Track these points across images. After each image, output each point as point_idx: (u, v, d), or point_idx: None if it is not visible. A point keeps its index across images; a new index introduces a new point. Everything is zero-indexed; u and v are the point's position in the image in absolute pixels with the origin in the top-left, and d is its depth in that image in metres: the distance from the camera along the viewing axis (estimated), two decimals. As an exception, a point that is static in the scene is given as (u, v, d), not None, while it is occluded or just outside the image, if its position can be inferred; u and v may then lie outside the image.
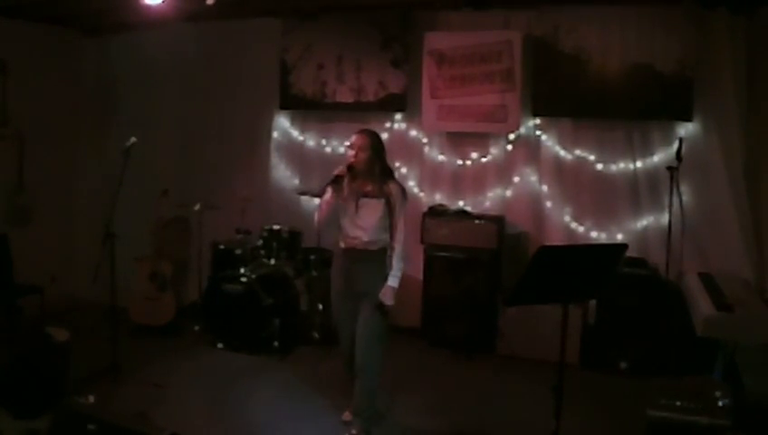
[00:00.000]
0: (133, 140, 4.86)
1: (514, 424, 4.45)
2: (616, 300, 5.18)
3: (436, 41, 5.84)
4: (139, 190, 6.14)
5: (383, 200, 4.05)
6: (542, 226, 5.81)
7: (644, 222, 5.50)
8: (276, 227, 5.86)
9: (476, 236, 5.62)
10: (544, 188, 5.77)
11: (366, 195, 4.06)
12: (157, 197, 6.07)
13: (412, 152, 6.17)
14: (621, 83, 5.33)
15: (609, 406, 4.68)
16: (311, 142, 6.48)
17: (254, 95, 6.54)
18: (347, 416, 4.37)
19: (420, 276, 5.87)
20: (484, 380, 5.23)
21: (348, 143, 4.17)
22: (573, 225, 5.71)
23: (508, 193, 5.92)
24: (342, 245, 4.18)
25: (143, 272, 6.03)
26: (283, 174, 6.57)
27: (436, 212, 5.87)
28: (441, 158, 6.09)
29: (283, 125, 6.57)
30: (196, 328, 5.90)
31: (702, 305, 4.12)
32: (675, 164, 4.92)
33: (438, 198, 6.10)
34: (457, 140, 6.03)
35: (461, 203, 6.02)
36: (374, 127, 6.12)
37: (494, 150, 5.94)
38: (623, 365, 5.22)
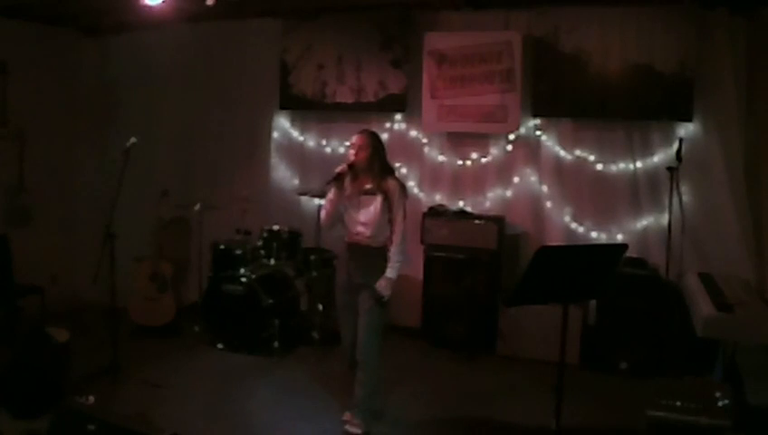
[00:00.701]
0: (133, 140, 4.86)
1: (514, 424, 4.44)
2: (616, 300, 5.18)
3: (436, 41, 5.84)
4: (139, 191, 6.15)
5: (381, 197, 4.15)
6: (542, 226, 5.81)
7: (644, 222, 5.50)
8: (276, 227, 5.86)
9: (476, 236, 5.62)
10: (544, 188, 5.77)
11: (366, 192, 4.17)
12: (157, 197, 6.07)
13: (412, 152, 6.17)
14: (621, 84, 5.33)
15: (608, 406, 4.67)
16: (311, 142, 6.48)
17: (254, 95, 6.55)
18: (347, 416, 4.38)
19: (420, 277, 5.87)
20: (485, 380, 5.23)
21: (348, 143, 4.26)
22: (573, 225, 5.71)
23: (508, 193, 5.92)
24: (347, 240, 4.30)
25: (143, 272, 6.03)
26: (284, 174, 6.57)
27: (436, 212, 5.87)
28: (441, 158, 6.09)
29: (283, 125, 6.57)
30: (197, 328, 5.90)
31: (702, 306, 4.12)
32: (675, 164, 4.92)
33: (438, 198, 6.10)
34: (457, 141, 6.03)
35: (461, 203, 6.03)
36: (374, 127, 6.14)
37: (494, 151, 5.94)
38: (623, 365, 5.22)
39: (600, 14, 5.37)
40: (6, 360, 4.30)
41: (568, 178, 5.70)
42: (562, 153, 5.70)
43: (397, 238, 4.16)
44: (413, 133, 6.16)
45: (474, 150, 5.99)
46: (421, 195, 6.15)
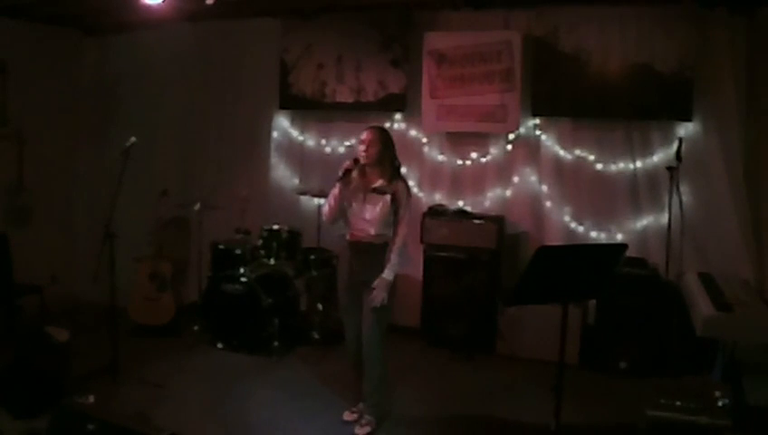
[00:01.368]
0: (133, 139, 4.86)
1: (514, 424, 4.45)
2: (616, 300, 5.18)
3: (435, 41, 5.84)
4: (139, 190, 6.15)
5: (389, 197, 4.12)
6: (541, 226, 5.81)
7: (644, 222, 5.50)
8: (276, 226, 5.86)
9: (476, 236, 5.62)
10: (544, 187, 5.77)
11: (374, 190, 4.14)
12: (156, 197, 6.07)
13: (412, 152, 6.16)
14: (621, 83, 5.33)
15: (608, 406, 4.67)
16: (310, 142, 6.48)
17: (253, 95, 6.54)
18: (348, 416, 4.38)
19: (420, 276, 5.87)
20: (484, 380, 5.23)
21: (360, 139, 4.21)
22: (573, 225, 5.71)
23: (508, 193, 5.92)
24: (349, 237, 4.27)
25: (143, 272, 6.03)
26: (283, 174, 6.57)
27: (435, 212, 5.87)
28: (441, 158, 6.09)
29: (283, 125, 6.57)
30: (196, 328, 5.90)
31: (702, 305, 4.11)
32: (674, 164, 4.91)
33: (438, 197, 6.10)
34: (457, 140, 6.03)
35: (461, 203, 6.02)
36: (374, 127, 6.18)
37: (493, 150, 5.94)
38: (623, 365, 5.22)
39: (599, 13, 5.36)
40: (6, 359, 4.30)
41: (568, 178, 5.70)
42: (562, 153, 5.70)
43: (399, 241, 4.14)
44: (413, 133, 6.16)
45: (473, 150, 5.99)
46: (421, 194, 6.14)
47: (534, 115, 5.71)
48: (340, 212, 4.26)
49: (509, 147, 5.88)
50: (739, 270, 5.00)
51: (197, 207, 5.93)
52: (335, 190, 4.20)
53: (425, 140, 6.13)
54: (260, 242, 5.87)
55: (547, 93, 5.58)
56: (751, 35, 5.05)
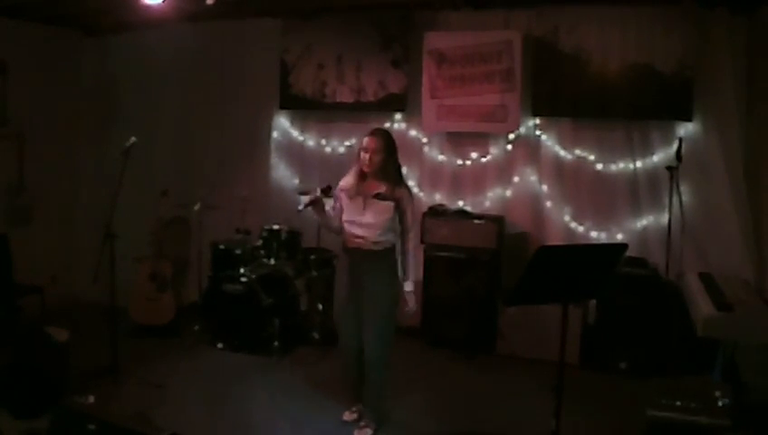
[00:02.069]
0: (133, 139, 4.86)
1: (514, 424, 4.45)
2: (616, 300, 5.18)
3: (435, 41, 5.84)
4: (139, 190, 6.15)
5: (393, 204, 4.04)
6: (541, 226, 5.81)
7: (644, 222, 5.50)
8: (276, 226, 5.86)
9: (476, 236, 5.62)
10: (544, 187, 5.77)
11: (376, 196, 4.04)
12: (157, 197, 6.07)
13: (412, 152, 6.16)
14: (621, 83, 5.33)
15: (608, 406, 4.67)
16: (310, 142, 6.48)
17: (254, 95, 6.55)
18: (347, 416, 4.38)
19: (420, 276, 5.86)
20: (484, 380, 5.23)
21: (362, 145, 4.10)
22: (573, 225, 5.71)
23: (508, 193, 5.92)
24: (347, 244, 4.18)
25: (143, 272, 6.03)
26: (283, 174, 6.57)
27: (435, 212, 5.87)
28: (441, 158, 6.09)
29: (283, 125, 6.57)
30: (196, 328, 5.90)
31: (702, 305, 4.12)
32: (674, 164, 4.92)
33: (438, 197, 6.10)
34: (457, 140, 6.03)
35: (461, 203, 6.03)
36: (374, 127, 6.17)
37: (493, 150, 5.94)
38: (623, 365, 5.22)
39: (599, 13, 5.37)
40: (6, 359, 4.30)
41: (568, 178, 5.71)
42: (562, 153, 5.70)
43: (410, 249, 4.13)
44: (413, 133, 6.16)
45: (473, 150, 5.99)
46: (421, 195, 6.14)
47: (534, 115, 5.71)
48: (334, 223, 4.19)
49: (509, 147, 5.88)
50: (739, 270, 5.00)
51: (198, 207, 5.93)
52: (315, 216, 4.14)
53: (425, 140, 6.13)
54: (260, 242, 5.87)
55: (547, 93, 5.58)
56: (751, 35, 5.05)
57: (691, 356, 4.81)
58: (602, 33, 5.36)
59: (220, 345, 5.67)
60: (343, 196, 4.14)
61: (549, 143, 5.73)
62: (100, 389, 4.57)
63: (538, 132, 5.76)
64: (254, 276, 5.59)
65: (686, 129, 5.25)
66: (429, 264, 5.81)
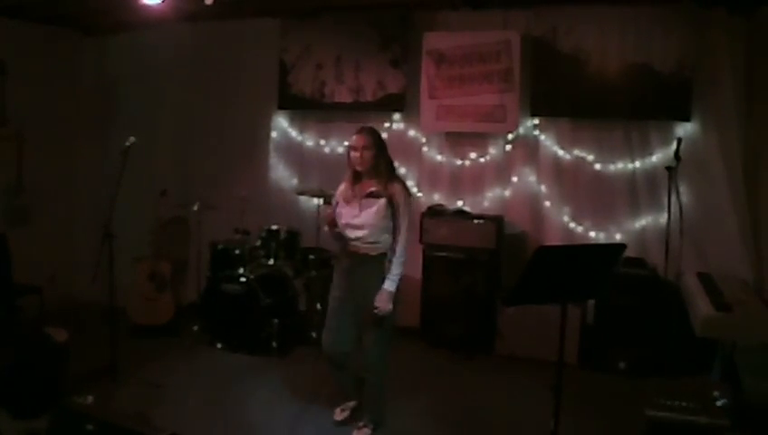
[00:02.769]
0: (132, 139, 4.86)
1: (513, 424, 4.45)
2: (614, 300, 5.18)
3: (434, 41, 5.84)
4: (138, 190, 6.15)
5: (384, 201, 3.94)
6: (540, 226, 5.82)
7: (642, 222, 5.51)
8: (275, 227, 5.86)
9: (475, 236, 5.63)
10: (543, 188, 5.78)
11: (369, 195, 3.97)
12: (156, 197, 6.07)
13: (411, 152, 6.17)
14: (620, 83, 5.33)
15: (607, 406, 4.68)
16: (309, 142, 6.48)
17: (252, 95, 6.55)
18: (338, 414, 4.38)
19: (419, 276, 5.87)
20: (483, 380, 5.23)
21: (348, 144, 4.07)
22: (572, 225, 5.71)
23: (507, 193, 5.92)
24: (344, 248, 4.13)
25: (142, 272, 6.03)
26: (282, 174, 6.57)
27: (434, 212, 5.87)
28: (440, 158, 6.10)
29: (282, 125, 6.57)
30: (195, 328, 5.90)
31: (701, 305, 4.12)
32: (673, 164, 4.92)
33: (437, 197, 6.10)
34: (456, 140, 6.04)
35: (460, 203, 6.03)
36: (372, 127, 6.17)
37: (492, 150, 5.94)
38: (622, 365, 5.23)
39: (598, 13, 5.37)
40: (5, 360, 4.29)
41: (566, 178, 5.71)
42: (561, 153, 5.71)
43: (399, 249, 3.96)
44: (411, 133, 6.17)
45: (472, 150, 6.00)
46: (420, 195, 6.15)
47: (533, 115, 5.72)
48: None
49: (508, 147, 5.88)
50: (738, 270, 5.01)
51: (197, 207, 5.93)
52: (326, 229, 4.23)
53: (424, 140, 6.13)
54: (259, 242, 5.88)
55: (546, 93, 5.58)
56: (750, 35, 5.06)
57: (690, 356, 4.81)
58: (601, 33, 5.37)
59: (219, 345, 5.67)
60: (340, 202, 4.09)
61: (548, 143, 5.73)
62: (100, 389, 4.57)
63: (537, 132, 5.77)
64: (252, 276, 5.59)
65: (684, 129, 5.26)
66: (428, 264, 5.81)
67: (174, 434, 2.89)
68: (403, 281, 5.99)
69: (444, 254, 5.74)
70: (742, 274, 4.98)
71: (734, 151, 5.11)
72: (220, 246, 6.01)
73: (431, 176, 6.14)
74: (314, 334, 5.78)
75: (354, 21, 6.06)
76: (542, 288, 3.22)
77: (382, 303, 3.93)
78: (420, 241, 5.80)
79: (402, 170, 6.17)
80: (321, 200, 4.08)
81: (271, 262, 5.83)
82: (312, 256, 5.87)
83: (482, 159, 5.98)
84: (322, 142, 6.44)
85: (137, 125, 6.12)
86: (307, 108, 6.37)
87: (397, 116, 6.16)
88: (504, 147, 5.90)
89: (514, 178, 5.88)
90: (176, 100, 6.75)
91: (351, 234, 4.03)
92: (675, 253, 5.02)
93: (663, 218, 5.13)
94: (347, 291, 4.12)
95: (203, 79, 6.68)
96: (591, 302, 5.39)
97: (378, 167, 3.98)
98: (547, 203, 5.77)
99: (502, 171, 5.93)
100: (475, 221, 5.68)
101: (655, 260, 5.29)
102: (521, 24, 5.67)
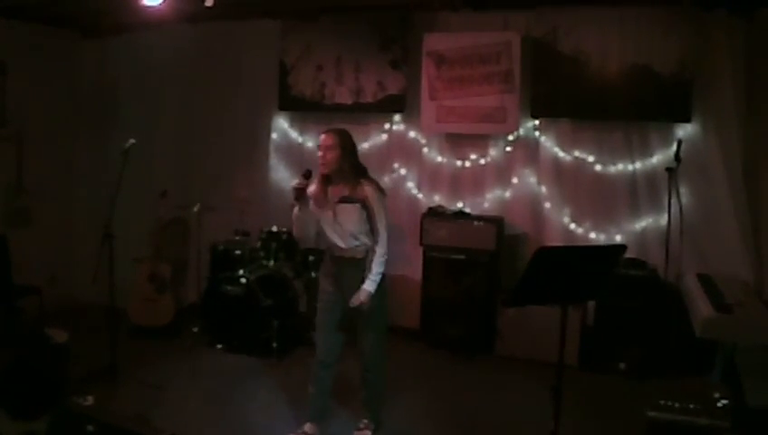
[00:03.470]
0: (132, 141, 4.86)
1: (513, 425, 4.45)
2: (615, 301, 5.18)
3: (435, 42, 5.84)
4: (138, 191, 6.15)
5: (358, 205, 3.86)
6: (540, 227, 5.82)
7: (643, 223, 5.50)
8: (275, 228, 5.86)
9: (475, 237, 5.62)
10: (543, 189, 5.78)
11: (342, 200, 3.87)
12: (156, 198, 6.06)
13: (411, 153, 6.17)
14: (620, 85, 5.33)
15: (607, 407, 4.68)
16: (309, 143, 6.47)
17: (253, 96, 6.54)
18: (309, 428, 4.17)
19: (419, 277, 5.87)
20: (483, 381, 5.23)
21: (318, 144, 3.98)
22: (572, 226, 5.71)
23: (507, 194, 5.92)
24: (329, 253, 4.07)
25: (142, 273, 6.03)
26: (283, 175, 6.57)
27: (434, 213, 5.87)
28: (440, 159, 6.09)
29: (282, 126, 6.57)
30: (195, 329, 5.89)
31: (701, 307, 4.12)
32: (674, 165, 4.91)
33: (437, 199, 6.10)
34: (456, 142, 6.03)
35: (460, 204, 6.03)
36: (373, 128, 6.19)
37: (492, 152, 5.94)
38: (622, 366, 5.22)
39: (598, 15, 5.37)
40: (5, 361, 4.29)
41: (567, 179, 5.71)
42: (561, 154, 5.70)
43: (380, 249, 3.88)
44: (412, 134, 6.17)
45: (473, 151, 6.00)
46: (420, 196, 6.15)
47: (533, 116, 5.71)
48: (310, 231, 4.01)
49: (508, 148, 5.88)
50: (738, 271, 5.00)
51: (197, 208, 5.92)
52: (295, 210, 3.91)
53: (424, 141, 6.13)
54: (259, 243, 5.88)
55: (546, 95, 5.58)
56: (750, 37, 5.06)
57: (690, 357, 4.81)
58: (601, 34, 5.37)
59: (219, 346, 5.67)
60: (312, 204, 3.96)
61: (548, 144, 5.73)
62: (99, 390, 4.57)
63: (537, 133, 5.77)
64: (253, 278, 5.59)
65: (685, 130, 5.26)
66: (429, 265, 5.81)
67: (174, 435, 2.89)
68: (403, 282, 6.08)
69: (444, 255, 5.74)
70: (742, 275, 4.98)
71: (734, 153, 5.10)
72: (220, 248, 6.02)
73: (431, 177, 6.14)
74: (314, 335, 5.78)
75: (354, 22, 6.06)
76: (542, 289, 3.22)
77: (357, 300, 3.84)
78: (420, 242, 5.80)
79: (402, 171, 6.18)
80: (301, 178, 3.91)
81: (271, 263, 5.83)
82: (312, 258, 5.87)
83: (482, 161, 5.98)
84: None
85: (137, 126, 6.14)
86: (307, 109, 6.36)
87: (397, 117, 6.16)
88: (505, 148, 5.89)
89: (515, 180, 5.88)
90: (176, 101, 6.75)
91: (334, 240, 3.96)
92: (675, 254, 5.01)
93: (663, 220, 5.13)
94: (336, 294, 4.03)
95: (203, 80, 6.68)
96: (592, 303, 5.39)
97: (342, 169, 3.87)
98: (547, 204, 5.77)
99: (502, 172, 5.93)
100: (476, 222, 5.68)
101: (655, 261, 5.28)
102: (521, 26, 5.66)
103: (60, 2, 5.78)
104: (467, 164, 6.02)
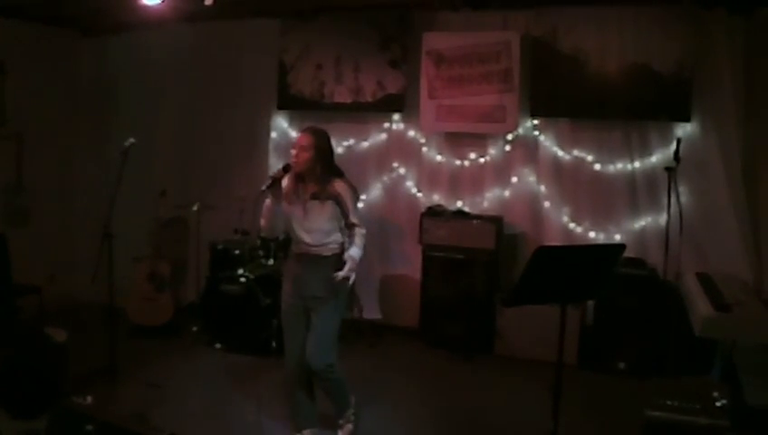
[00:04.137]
0: (131, 140, 4.86)
1: (512, 424, 4.45)
2: (614, 300, 5.18)
3: (434, 41, 5.84)
4: (138, 191, 6.15)
5: (331, 202, 3.84)
6: (540, 226, 5.82)
7: (642, 222, 5.51)
8: (275, 227, 5.85)
9: (475, 236, 5.63)
10: (542, 188, 5.78)
11: (312, 197, 3.85)
12: (155, 197, 6.07)
13: (410, 153, 6.17)
14: (619, 84, 5.33)
15: (607, 406, 4.68)
16: (309, 143, 6.46)
17: (252, 95, 6.54)
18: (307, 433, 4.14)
19: (418, 277, 5.88)
20: (482, 380, 5.24)
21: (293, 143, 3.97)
22: (571, 225, 5.71)
23: (506, 193, 5.92)
24: (295, 250, 4.00)
25: (141, 272, 6.03)
26: (282, 174, 6.56)
27: (434, 212, 5.87)
28: (439, 158, 6.09)
29: (282, 125, 6.57)
30: (195, 328, 5.90)
31: (700, 306, 4.12)
32: (673, 164, 4.91)
33: (437, 198, 6.10)
34: (456, 141, 6.03)
35: (459, 203, 6.03)
36: (372, 127, 6.19)
37: (492, 151, 5.94)
38: (621, 365, 5.23)
39: (598, 14, 5.37)
40: (4, 360, 4.29)
41: (566, 179, 5.71)
42: (560, 153, 5.71)
43: (360, 230, 3.88)
44: (411, 133, 6.17)
45: (472, 151, 6.00)
46: (419, 195, 6.15)
47: (533, 116, 5.71)
48: (279, 224, 3.97)
49: (507, 147, 5.88)
50: (737, 270, 5.00)
51: (196, 207, 5.93)
52: (267, 202, 3.86)
53: (423, 140, 6.13)
54: (258, 242, 5.87)
55: (546, 94, 5.58)
56: (749, 36, 5.06)
57: (689, 357, 4.82)
58: (601, 33, 5.37)
59: (218, 345, 5.67)
60: (284, 199, 3.92)
61: (547, 144, 5.73)
62: (99, 389, 4.56)
63: (536, 133, 5.77)
64: (252, 277, 5.59)
65: (684, 129, 5.26)
66: (428, 264, 5.81)
67: (173, 434, 2.89)
68: (402, 281, 6.08)
69: (443, 254, 5.74)
70: (741, 274, 4.98)
71: (733, 152, 5.11)
72: (219, 247, 6.01)
73: (431, 176, 6.14)
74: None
75: (353, 21, 6.05)
76: (541, 289, 3.22)
77: (348, 268, 3.77)
78: (420, 241, 5.80)
79: (402, 171, 6.18)
80: (280, 168, 3.90)
81: (270, 262, 5.83)
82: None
83: (481, 160, 5.98)
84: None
85: (136, 125, 6.13)
86: (306, 108, 6.36)
87: (396, 116, 6.16)
88: (504, 147, 5.89)
89: (514, 179, 5.88)
90: (175, 100, 6.75)
91: (301, 236, 3.91)
92: (674, 253, 5.02)
93: (662, 219, 5.13)
94: (296, 296, 3.96)
95: (202, 79, 6.67)
96: (591, 302, 5.39)
97: (313, 170, 3.83)
98: (546, 203, 5.77)
99: (501, 172, 5.93)
100: (475, 222, 5.69)
101: (654, 260, 5.29)
102: (520, 25, 5.67)
103: (59, 1, 5.78)
104: (467, 163, 6.02)
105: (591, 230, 5.67)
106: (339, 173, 3.96)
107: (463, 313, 5.67)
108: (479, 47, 5.70)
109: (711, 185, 5.20)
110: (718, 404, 3.57)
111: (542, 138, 5.75)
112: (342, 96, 6.18)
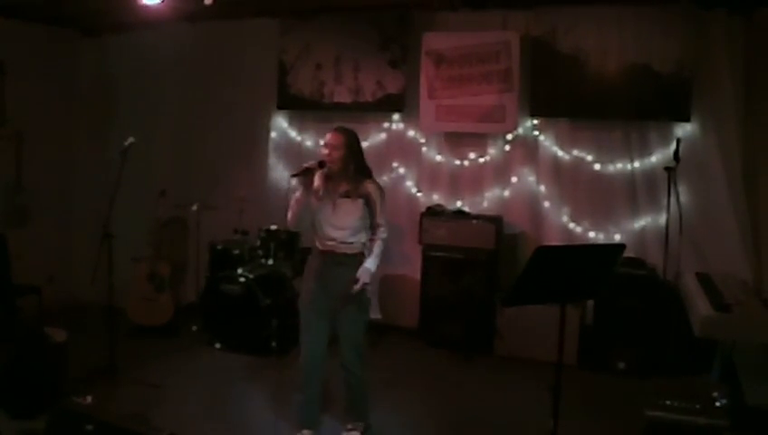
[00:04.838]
0: (131, 140, 4.86)
1: (512, 424, 4.45)
2: (614, 300, 5.18)
3: (434, 41, 5.84)
4: (137, 191, 6.14)
5: (361, 201, 3.89)
6: (539, 226, 5.82)
7: (642, 222, 5.51)
8: (274, 227, 5.86)
9: (474, 236, 5.63)
10: (542, 188, 5.78)
11: (344, 195, 3.89)
12: (155, 197, 6.06)
13: (410, 153, 6.17)
14: (619, 84, 5.33)
15: (606, 406, 4.68)
16: (308, 142, 6.48)
17: (252, 95, 6.54)
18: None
19: (418, 276, 5.87)
20: (482, 380, 5.23)
21: (324, 142, 3.99)
22: (571, 225, 5.71)
23: (506, 193, 5.92)
24: (320, 247, 4.01)
25: (141, 272, 6.03)
26: (281, 174, 6.56)
27: (433, 212, 5.87)
28: (439, 158, 6.09)
29: (281, 125, 6.57)
30: (194, 328, 5.90)
31: (700, 306, 4.12)
32: (672, 164, 4.91)
33: (436, 198, 6.10)
34: (455, 141, 6.03)
35: (459, 203, 6.03)
36: (372, 127, 6.18)
37: (491, 151, 5.94)
38: (621, 365, 5.22)
39: (597, 14, 5.37)
40: (4, 360, 4.29)
41: (566, 178, 5.71)
42: (560, 153, 5.71)
43: (383, 235, 3.93)
44: (411, 133, 6.17)
45: (472, 150, 6.00)
46: (419, 195, 6.15)
47: (532, 115, 5.71)
48: (307, 218, 3.96)
49: (507, 147, 5.88)
50: (737, 270, 5.00)
51: (196, 207, 5.93)
52: (297, 194, 3.88)
53: (423, 140, 6.13)
54: (258, 242, 5.87)
55: (545, 94, 5.58)
56: (749, 36, 5.06)
57: (689, 356, 4.82)
58: (600, 33, 5.37)
59: (218, 345, 5.67)
60: (312, 196, 3.93)
61: (547, 144, 5.74)
62: (98, 389, 4.55)
63: (536, 133, 5.77)
64: (251, 277, 5.58)
65: (684, 129, 5.26)
66: (427, 264, 5.81)
67: (173, 434, 2.89)
68: (402, 281, 6.08)
69: (443, 254, 5.74)
70: (741, 274, 4.97)
71: (733, 152, 5.11)
72: (219, 247, 6.01)
73: (430, 176, 6.14)
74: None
75: (353, 21, 6.05)
76: (541, 288, 3.22)
77: (362, 277, 3.81)
78: (419, 241, 5.80)
79: (401, 171, 6.18)
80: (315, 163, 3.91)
81: (270, 262, 5.83)
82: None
83: (481, 160, 5.98)
84: (321, 142, 6.39)
85: (136, 125, 6.12)
86: (306, 108, 6.36)
87: (396, 116, 6.16)
88: (504, 147, 5.89)
89: (514, 179, 5.88)
90: (175, 100, 6.75)
91: (328, 232, 3.94)
92: (674, 253, 5.02)
93: (662, 219, 5.14)
94: (319, 292, 3.97)
95: (202, 79, 6.68)
96: (590, 302, 5.39)
97: (346, 169, 3.90)
98: (546, 203, 5.77)
99: (501, 172, 5.93)
100: (474, 221, 5.69)
101: (654, 260, 5.29)
102: (520, 25, 5.67)
103: (59, 1, 5.78)
104: (466, 163, 6.02)
105: (591, 230, 5.67)
106: (369, 173, 4.02)
107: (463, 313, 5.67)
108: (479, 47, 5.70)
109: (711, 185, 5.20)
110: (718, 404, 3.57)
111: (541, 138, 5.75)
112: (342, 96, 6.18)
